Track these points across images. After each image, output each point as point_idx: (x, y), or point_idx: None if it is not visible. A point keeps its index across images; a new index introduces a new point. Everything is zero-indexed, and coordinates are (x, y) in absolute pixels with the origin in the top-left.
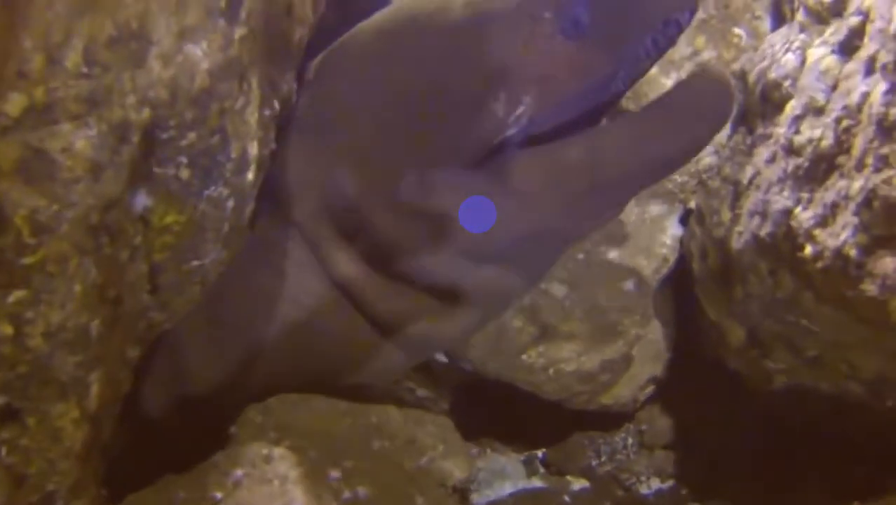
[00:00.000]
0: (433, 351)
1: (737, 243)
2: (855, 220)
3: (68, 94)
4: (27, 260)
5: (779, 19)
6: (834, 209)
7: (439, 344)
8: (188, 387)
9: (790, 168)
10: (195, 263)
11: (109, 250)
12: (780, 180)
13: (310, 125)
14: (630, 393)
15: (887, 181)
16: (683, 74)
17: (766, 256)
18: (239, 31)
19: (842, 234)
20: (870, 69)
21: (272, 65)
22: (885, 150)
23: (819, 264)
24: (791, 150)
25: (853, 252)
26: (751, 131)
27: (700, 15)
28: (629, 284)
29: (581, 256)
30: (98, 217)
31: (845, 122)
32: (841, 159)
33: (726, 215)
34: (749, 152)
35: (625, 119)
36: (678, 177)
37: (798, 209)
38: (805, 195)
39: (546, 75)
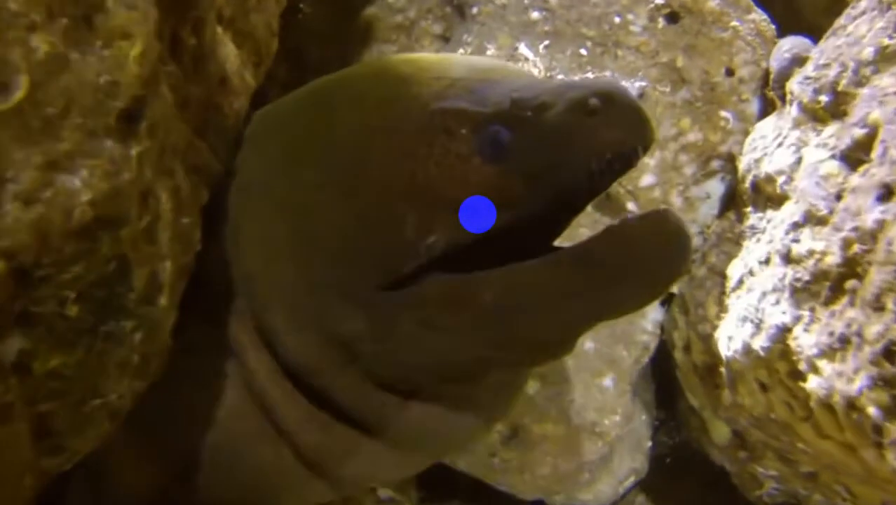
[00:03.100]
0: (365, 487)
1: (726, 349)
2: (873, 369)
3: None
4: None
5: (766, 104)
6: (844, 343)
7: (371, 482)
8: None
9: (788, 278)
10: (97, 402)
11: None
12: (777, 290)
13: (239, 223)
14: (610, 488)
15: None
16: (668, 155)
17: (758, 369)
18: (137, 148)
19: (856, 381)
20: (884, 196)
21: (205, 140)
22: None
23: (824, 403)
24: (789, 258)
25: (871, 410)
26: (739, 219)
27: (684, 96)
28: (607, 381)
29: None
30: None
31: (856, 247)
32: (851, 284)
33: (712, 310)
34: (737, 242)
35: (546, 263)
36: None
37: (798, 328)
38: (805, 313)
39: (460, 203)
